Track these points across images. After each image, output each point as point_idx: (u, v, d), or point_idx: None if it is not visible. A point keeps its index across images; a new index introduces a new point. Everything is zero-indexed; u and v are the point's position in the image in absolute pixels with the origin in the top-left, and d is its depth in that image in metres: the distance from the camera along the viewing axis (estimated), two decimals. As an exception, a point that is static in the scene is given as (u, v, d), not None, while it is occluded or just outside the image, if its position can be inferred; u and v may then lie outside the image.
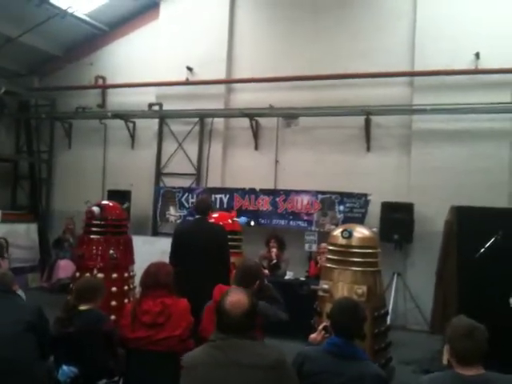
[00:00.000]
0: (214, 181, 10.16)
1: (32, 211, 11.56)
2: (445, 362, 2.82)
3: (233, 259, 5.60)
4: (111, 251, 6.51)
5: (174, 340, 3.60)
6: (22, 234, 10.43)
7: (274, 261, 8.01)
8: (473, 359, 2.68)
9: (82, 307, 3.92)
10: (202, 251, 5.18)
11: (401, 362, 6.09)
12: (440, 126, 8.69)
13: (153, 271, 3.87)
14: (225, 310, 2.66)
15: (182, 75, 10.30)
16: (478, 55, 8.40)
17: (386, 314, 5.41)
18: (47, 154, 11.99)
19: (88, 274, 6.09)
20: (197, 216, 5.64)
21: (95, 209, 6.58)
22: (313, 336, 3.53)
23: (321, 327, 3.50)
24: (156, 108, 10.62)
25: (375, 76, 9.02)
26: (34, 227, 10.88)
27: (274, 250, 8.07)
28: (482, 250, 5.71)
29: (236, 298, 2.70)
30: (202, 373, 2.58)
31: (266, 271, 7.42)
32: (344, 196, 8.70)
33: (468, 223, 6.26)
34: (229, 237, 5.95)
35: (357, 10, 9.50)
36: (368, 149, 9.26)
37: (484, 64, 8.39)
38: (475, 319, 2.93)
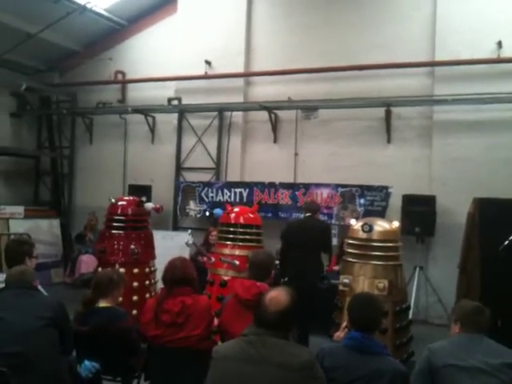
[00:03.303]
0: (233, 175, 10.15)
1: (54, 207, 11.68)
2: None
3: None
4: (132, 246, 6.55)
5: (192, 339, 3.59)
6: (45, 230, 10.58)
7: None
8: None
9: (101, 304, 3.93)
10: (307, 242, 6.22)
11: (423, 356, 6.04)
12: (461, 117, 8.55)
13: (174, 267, 3.80)
14: (263, 304, 2.67)
15: (201, 69, 10.28)
16: (500, 44, 8.22)
17: (408, 308, 5.37)
18: (69, 149, 12.08)
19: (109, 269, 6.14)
20: (306, 214, 6.74)
21: (148, 205, 7.11)
22: (337, 334, 3.53)
23: (344, 325, 3.49)
24: (175, 102, 10.62)
25: (395, 66, 8.88)
26: (56, 223, 11.02)
27: None
28: (506, 243, 5.63)
29: (275, 294, 2.70)
30: (231, 366, 2.58)
31: None
32: (364, 189, 8.59)
33: (491, 215, 6.19)
34: (249, 230, 6.36)
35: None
36: (388, 140, 9.14)
37: (506, 53, 8.21)
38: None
